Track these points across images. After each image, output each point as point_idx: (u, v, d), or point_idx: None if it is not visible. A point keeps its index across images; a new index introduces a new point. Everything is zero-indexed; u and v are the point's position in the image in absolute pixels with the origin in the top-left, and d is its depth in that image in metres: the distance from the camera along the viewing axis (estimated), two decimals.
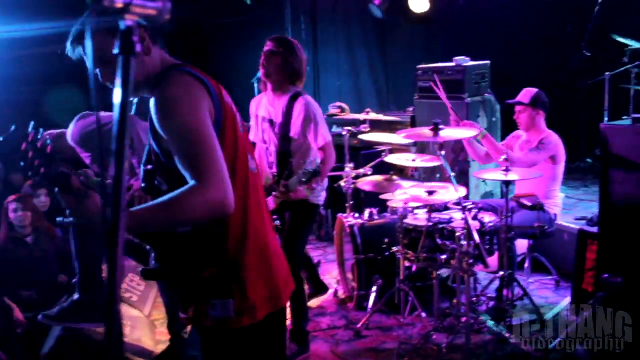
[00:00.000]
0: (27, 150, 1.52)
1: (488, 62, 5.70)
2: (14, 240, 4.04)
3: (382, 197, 4.23)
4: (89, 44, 1.66)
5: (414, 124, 5.67)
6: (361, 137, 4.58)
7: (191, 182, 1.59)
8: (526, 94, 4.39)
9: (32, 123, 1.58)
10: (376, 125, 5.11)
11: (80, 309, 3.14)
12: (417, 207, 4.09)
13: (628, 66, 5.59)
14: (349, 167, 4.38)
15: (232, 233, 1.74)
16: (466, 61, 5.50)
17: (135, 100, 5.78)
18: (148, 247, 1.76)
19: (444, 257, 3.69)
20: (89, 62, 1.69)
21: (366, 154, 5.47)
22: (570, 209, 5.76)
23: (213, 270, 1.75)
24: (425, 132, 3.67)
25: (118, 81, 0.96)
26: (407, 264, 3.94)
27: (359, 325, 3.94)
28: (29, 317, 3.61)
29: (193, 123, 1.62)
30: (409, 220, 3.91)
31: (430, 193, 3.71)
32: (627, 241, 3.38)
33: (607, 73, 5.66)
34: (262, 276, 1.79)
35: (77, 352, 3.47)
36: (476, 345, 3.62)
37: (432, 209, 3.84)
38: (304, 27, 7.82)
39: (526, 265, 4.59)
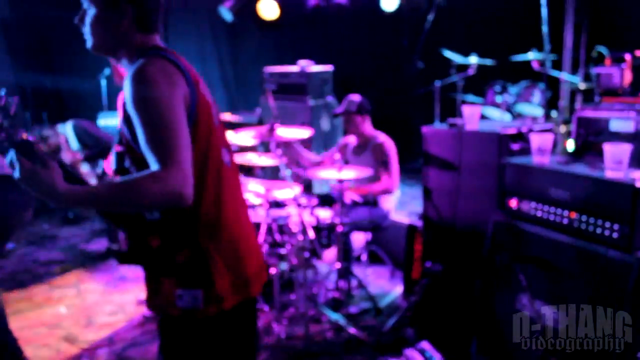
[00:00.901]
0: None
1: (331, 67, 6.00)
2: None
3: None
4: None
5: (261, 124, 5.82)
6: None
7: (153, 167, 1.55)
8: (351, 103, 4.57)
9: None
10: None
11: None
12: (259, 204, 4.22)
13: (454, 78, 6.16)
14: None
15: (203, 226, 1.72)
16: (310, 65, 5.74)
17: None
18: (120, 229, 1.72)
19: (283, 251, 3.87)
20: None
21: None
22: (406, 204, 6.22)
23: (187, 256, 1.72)
24: (263, 131, 3.83)
25: None
26: None
27: None
28: None
29: (164, 106, 1.57)
30: None
31: (268, 190, 3.86)
32: (444, 233, 3.76)
33: (437, 82, 6.19)
34: (231, 268, 1.78)
35: None
36: (315, 334, 3.78)
37: (271, 205, 3.99)
38: None
39: (363, 257, 4.90)
